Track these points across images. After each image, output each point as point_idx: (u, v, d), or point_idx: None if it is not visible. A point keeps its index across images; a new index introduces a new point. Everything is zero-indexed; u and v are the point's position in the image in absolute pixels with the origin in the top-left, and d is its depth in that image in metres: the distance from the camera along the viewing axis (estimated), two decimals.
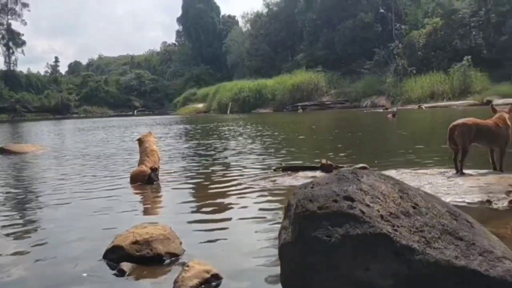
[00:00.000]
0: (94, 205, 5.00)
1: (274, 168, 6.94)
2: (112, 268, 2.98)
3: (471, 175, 5.06)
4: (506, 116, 5.25)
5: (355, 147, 9.78)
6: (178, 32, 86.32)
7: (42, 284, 2.89)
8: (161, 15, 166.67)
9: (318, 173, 6.23)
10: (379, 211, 2.13)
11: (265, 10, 64.44)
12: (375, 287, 2.01)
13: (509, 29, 35.56)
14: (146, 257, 3.08)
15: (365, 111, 32.81)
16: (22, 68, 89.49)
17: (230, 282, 2.69)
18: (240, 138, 13.87)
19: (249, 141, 12.65)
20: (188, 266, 2.69)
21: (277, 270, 2.45)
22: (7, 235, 3.93)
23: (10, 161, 9.86)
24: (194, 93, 61.99)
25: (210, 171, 7.22)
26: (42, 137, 19.39)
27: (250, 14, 67.87)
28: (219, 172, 7.05)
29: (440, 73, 35.88)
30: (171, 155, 9.73)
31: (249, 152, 9.79)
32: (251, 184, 5.76)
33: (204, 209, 4.70)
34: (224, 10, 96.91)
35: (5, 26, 66.13)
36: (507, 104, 8.50)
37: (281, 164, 7.26)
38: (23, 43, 68.49)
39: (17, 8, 66.59)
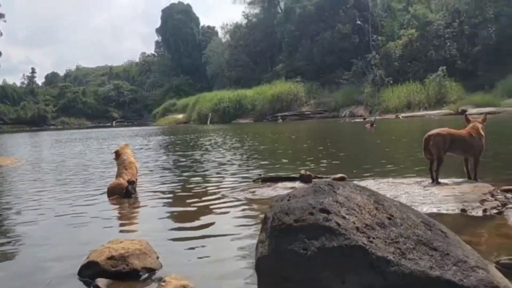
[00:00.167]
0: (70, 220, 4.90)
1: (253, 179, 6.93)
2: (87, 285, 2.92)
3: (446, 184, 5.14)
4: (479, 126, 5.37)
5: (334, 157, 9.85)
6: (157, 42, 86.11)
7: None
8: (140, 25, 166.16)
9: (297, 184, 6.25)
10: (354, 223, 2.14)
11: (244, 21, 64.87)
12: None
13: (481, 40, 36.58)
14: (122, 273, 3.02)
15: (341, 121, 33.19)
16: None
17: None
18: (220, 149, 13.83)
19: (230, 152, 12.62)
20: (164, 281, 2.65)
21: (254, 284, 2.43)
22: None
23: None
24: (174, 103, 61.74)
25: (189, 183, 7.16)
26: (18, 149, 18.97)
27: (229, 25, 68.28)
28: (198, 184, 7.00)
29: (416, 83, 36.57)
30: (150, 167, 9.62)
31: (229, 163, 9.77)
32: (230, 196, 5.73)
33: (182, 222, 4.65)
34: (204, 21, 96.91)
35: None
36: (481, 113, 8.71)
37: (260, 175, 7.25)
38: None
39: None
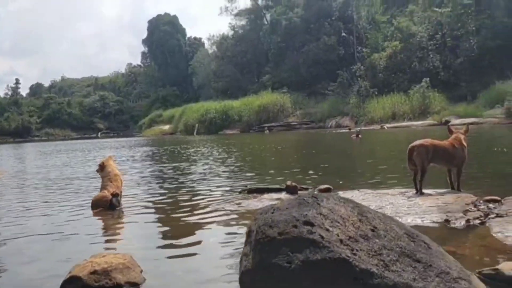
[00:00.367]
0: (53, 234, 4.81)
1: (239, 190, 6.91)
2: None
3: (430, 194, 5.19)
4: (462, 137, 5.46)
5: (320, 168, 9.89)
6: (143, 53, 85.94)
7: None
8: (126, 36, 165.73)
9: (283, 195, 6.25)
10: (338, 235, 2.15)
11: (230, 33, 65.20)
12: None
13: (464, 52, 37.29)
14: (105, 287, 2.98)
15: (327, 132, 33.39)
16: None
17: None
18: (206, 160, 13.78)
19: (216, 163, 12.58)
20: None
21: None
22: None
23: None
24: (160, 114, 61.52)
25: (174, 195, 7.10)
26: (1, 161, 18.64)
27: (216, 36, 68.53)
28: (183, 196, 6.96)
29: (400, 94, 37.04)
30: (135, 179, 9.53)
31: (215, 174, 9.73)
32: (216, 208, 5.70)
33: (166, 235, 4.60)
34: (190, 32, 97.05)
35: None
36: (464, 124, 8.85)
37: (246, 186, 7.24)
38: None
39: None
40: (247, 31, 61.32)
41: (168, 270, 3.46)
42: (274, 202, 5.76)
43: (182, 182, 8.67)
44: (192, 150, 19.57)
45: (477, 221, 4.18)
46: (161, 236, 4.63)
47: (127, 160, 15.33)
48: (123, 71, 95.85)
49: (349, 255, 2.05)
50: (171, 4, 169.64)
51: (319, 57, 47.10)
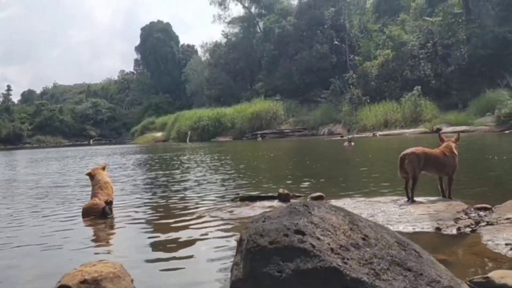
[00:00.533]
0: (43, 242, 4.77)
1: (232, 198, 6.90)
2: None
3: (421, 202, 5.22)
4: (453, 145, 5.50)
5: (313, 175, 9.89)
6: (136, 60, 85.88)
7: None
8: (119, 43, 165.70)
9: (275, 203, 6.25)
10: (329, 244, 2.15)
11: (224, 40, 65.47)
12: None
13: (454, 60, 37.69)
14: None
15: (320, 139, 33.48)
16: None
17: None
18: (199, 168, 13.75)
19: (209, 170, 12.56)
20: None
21: None
22: None
23: None
24: (153, 121, 61.41)
25: (167, 203, 7.07)
26: None
27: (209, 44, 68.81)
28: (176, 204, 6.92)
29: (392, 102, 37.30)
30: (127, 187, 9.47)
31: (208, 182, 9.70)
32: (208, 216, 5.68)
33: (158, 244, 4.57)
34: (183, 40, 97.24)
35: None
36: (456, 132, 8.94)
37: (238, 194, 7.22)
38: None
39: None
40: (240, 39, 61.61)
41: (159, 279, 3.43)
42: (266, 210, 5.75)
43: (174, 190, 8.63)
44: (185, 157, 19.52)
45: (468, 229, 4.20)
46: (152, 244, 4.60)
47: (119, 167, 15.24)
48: (116, 78, 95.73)
49: (340, 264, 2.05)
50: (164, 11, 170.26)
51: (312, 65, 47.36)
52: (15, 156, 31.00)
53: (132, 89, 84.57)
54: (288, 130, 43.33)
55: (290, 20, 52.42)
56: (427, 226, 4.34)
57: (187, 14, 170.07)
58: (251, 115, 45.03)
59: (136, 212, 6.37)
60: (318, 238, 2.15)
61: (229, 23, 64.38)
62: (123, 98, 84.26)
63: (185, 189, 8.74)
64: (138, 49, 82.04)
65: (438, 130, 26.62)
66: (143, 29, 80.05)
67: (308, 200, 6.16)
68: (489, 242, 3.77)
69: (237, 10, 71.89)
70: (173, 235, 4.87)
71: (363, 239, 2.28)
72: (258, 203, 6.29)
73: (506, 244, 3.62)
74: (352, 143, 21.10)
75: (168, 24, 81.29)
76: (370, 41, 46.40)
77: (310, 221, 2.25)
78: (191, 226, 5.19)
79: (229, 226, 5.09)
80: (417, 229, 4.28)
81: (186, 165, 14.87)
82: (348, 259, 2.10)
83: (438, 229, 4.25)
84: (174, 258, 3.99)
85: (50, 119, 71.77)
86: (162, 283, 3.34)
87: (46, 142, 67.02)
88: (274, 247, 2.11)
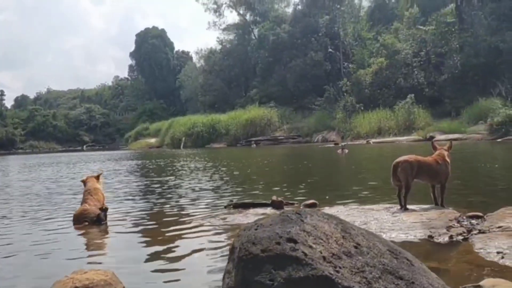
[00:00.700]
0: (35, 249, 4.72)
1: (225, 205, 6.88)
2: None
3: (414, 210, 5.23)
4: (445, 153, 5.53)
5: (306, 183, 9.90)
6: (131, 66, 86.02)
7: None
8: (113, 49, 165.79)
9: (269, 210, 6.24)
10: (321, 252, 2.14)
11: (218, 47, 65.70)
12: None
13: (447, 69, 38.05)
14: None
15: (314, 146, 33.55)
16: None
17: None
18: (193, 174, 13.71)
19: (203, 177, 12.52)
20: None
21: None
22: None
23: None
24: (147, 127, 61.36)
25: (160, 210, 7.04)
26: None
27: (204, 50, 69.03)
28: (169, 210, 6.90)
29: (386, 110, 37.55)
30: (121, 194, 9.42)
31: (202, 189, 9.67)
32: (201, 223, 5.66)
33: (150, 251, 4.54)
34: (178, 46, 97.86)
35: None
36: (449, 139, 8.99)
37: (232, 201, 7.21)
38: None
39: None
40: (235, 46, 61.86)
41: (151, 287, 3.40)
42: (259, 217, 5.74)
43: (167, 197, 8.59)
44: (179, 164, 19.46)
45: (460, 237, 4.21)
46: (144, 252, 4.57)
47: (113, 173, 15.17)
48: (110, 83, 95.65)
49: (332, 272, 2.05)
50: (159, 17, 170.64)
51: (306, 72, 47.62)
52: (7, 162, 30.76)
53: (126, 95, 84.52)
54: (282, 137, 43.43)
55: (285, 28, 52.75)
56: (419, 234, 4.35)
57: (182, 21, 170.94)
58: (246, 121, 45.12)
59: (129, 219, 6.34)
60: (311, 246, 2.15)
61: (224, 30, 64.73)
62: (117, 103, 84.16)
63: (179, 196, 8.70)
64: (132, 55, 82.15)
65: (431, 138, 26.77)
66: (138, 35, 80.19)
67: (301, 207, 6.17)
68: (481, 250, 3.78)
69: (232, 17, 72.58)
70: (165, 242, 4.85)
71: (355, 247, 2.27)
72: (251, 210, 6.28)
73: (498, 253, 3.64)
74: (346, 151, 21.14)
75: (163, 31, 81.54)
76: (364, 49, 46.76)
77: (303, 229, 2.25)
78: (183, 233, 5.17)
79: (222, 234, 5.07)
80: (410, 237, 4.29)
81: (180, 172, 14.83)
82: (340, 267, 2.09)
83: (430, 237, 4.26)
84: (166, 265, 3.97)
85: (43, 124, 71.50)
86: None
87: (39, 148, 66.75)
88: (266, 255, 2.11)
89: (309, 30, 50.00)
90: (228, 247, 4.23)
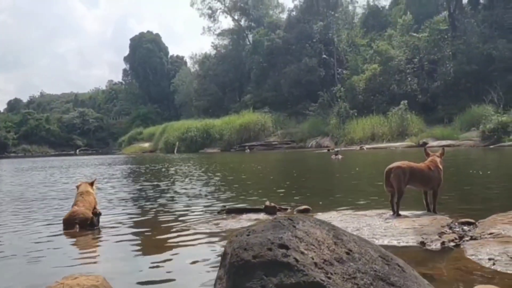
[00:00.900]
0: (26, 254, 4.68)
1: (218, 210, 6.86)
2: None
3: (407, 216, 5.24)
4: (438, 160, 5.56)
5: (300, 188, 9.91)
6: (125, 70, 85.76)
7: None
8: (107, 53, 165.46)
9: (262, 215, 6.23)
10: (313, 259, 2.14)
11: (213, 52, 65.80)
12: None
13: (440, 76, 38.35)
14: None
15: (308, 152, 33.59)
16: None
17: None
18: (186, 179, 13.67)
19: (196, 182, 12.49)
20: None
21: None
22: None
23: None
24: (140, 132, 61.19)
25: (153, 215, 7.00)
26: None
27: (198, 55, 69.09)
28: (161, 215, 6.86)
29: (379, 116, 37.74)
30: (113, 198, 9.36)
31: (195, 194, 9.64)
32: (194, 228, 5.64)
33: (142, 256, 4.52)
34: (173, 51, 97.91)
35: None
36: (441, 146, 9.05)
37: (225, 206, 7.19)
38: None
39: None
40: (230, 51, 61.99)
41: None
42: (252, 223, 5.74)
43: (160, 202, 8.55)
44: (172, 169, 19.41)
45: (452, 244, 4.22)
46: (136, 257, 4.54)
47: (106, 178, 15.08)
48: (104, 87, 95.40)
49: (324, 278, 2.04)
50: (154, 22, 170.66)
51: (300, 78, 47.78)
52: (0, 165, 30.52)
53: (120, 99, 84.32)
54: (276, 142, 43.48)
55: (279, 34, 52.94)
56: (411, 240, 4.36)
57: (177, 26, 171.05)
58: (240, 126, 45.14)
59: (122, 224, 6.30)
60: (302, 253, 2.15)
61: (218, 35, 64.85)
62: (111, 108, 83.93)
63: (172, 201, 8.67)
64: (127, 59, 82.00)
65: (424, 144, 26.93)
66: (132, 39, 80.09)
67: (294, 213, 6.17)
68: (473, 257, 3.79)
69: (226, 22, 72.74)
70: (157, 247, 4.82)
71: (347, 253, 2.28)
72: (244, 216, 6.27)
73: (489, 259, 3.65)
74: (340, 156, 21.19)
75: (157, 35, 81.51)
76: (358, 56, 47.02)
77: (295, 235, 2.24)
78: (176, 239, 5.15)
79: (215, 239, 5.05)
80: (402, 243, 4.30)
81: (174, 177, 14.78)
82: (331, 273, 2.09)
83: (422, 243, 4.27)
84: (158, 271, 3.94)
85: (36, 128, 71.07)
86: None
87: (32, 152, 66.34)
88: (257, 261, 2.10)
89: (303, 36, 50.23)
90: (219, 253, 4.22)
